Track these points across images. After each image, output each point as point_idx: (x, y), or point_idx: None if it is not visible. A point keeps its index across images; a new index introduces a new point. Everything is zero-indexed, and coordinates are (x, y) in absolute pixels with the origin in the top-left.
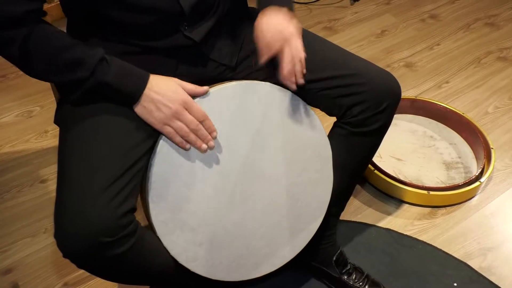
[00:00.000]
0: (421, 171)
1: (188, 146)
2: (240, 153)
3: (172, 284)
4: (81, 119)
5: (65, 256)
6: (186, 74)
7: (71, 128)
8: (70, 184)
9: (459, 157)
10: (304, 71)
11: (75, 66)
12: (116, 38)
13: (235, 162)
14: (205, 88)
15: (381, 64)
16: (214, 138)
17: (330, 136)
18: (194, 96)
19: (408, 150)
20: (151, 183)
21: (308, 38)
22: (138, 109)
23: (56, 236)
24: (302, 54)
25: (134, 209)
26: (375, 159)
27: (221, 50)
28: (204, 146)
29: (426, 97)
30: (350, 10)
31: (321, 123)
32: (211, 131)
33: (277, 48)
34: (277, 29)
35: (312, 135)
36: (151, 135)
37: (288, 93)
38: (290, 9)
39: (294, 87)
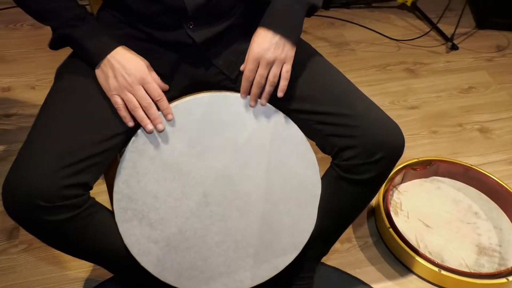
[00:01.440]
0: (447, 246)
1: (131, 123)
2: (217, 165)
3: (121, 272)
4: (69, 82)
5: (4, 207)
6: (186, 72)
7: (57, 87)
8: (30, 142)
9: (499, 245)
10: (280, 94)
11: (52, 14)
12: (127, 21)
13: (210, 172)
14: (166, 86)
15: (452, 122)
16: (169, 120)
17: (324, 174)
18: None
19: (442, 219)
20: (120, 168)
21: (318, 66)
22: (97, 72)
23: (2, 185)
24: (274, 78)
25: (85, 185)
26: (399, 217)
27: (225, 59)
28: (150, 126)
29: (489, 169)
30: (444, 58)
31: (315, 159)
32: (166, 113)
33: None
34: (262, 49)
35: (302, 168)
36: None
37: (286, 119)
38: (289, 35)
39: (252, 103)
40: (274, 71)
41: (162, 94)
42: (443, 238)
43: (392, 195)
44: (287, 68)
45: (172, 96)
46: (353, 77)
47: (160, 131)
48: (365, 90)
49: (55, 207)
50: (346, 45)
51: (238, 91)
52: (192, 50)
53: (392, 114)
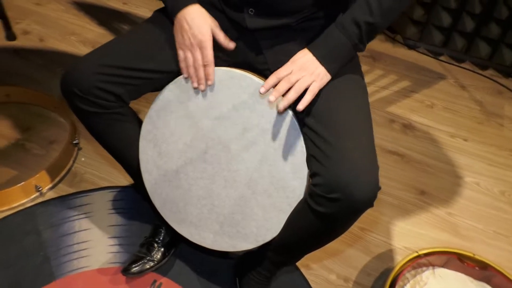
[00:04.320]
0: None
1: (186, 74)
2: (223, 134)
3: (132, 176)
4: (154, 20)
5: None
6: (241, 51)
7: (147, 20)
8: (100, 47)
9: None
10: (300, 107)
11: None
12: None
13: (215, 136)
14: (232, 45)
15: None
16: (209, 85)
17: None
18: (222, 51)
19: None
20: (157, 99)
21: (344, 90)
22: (175, 24)
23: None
24: (301, 85)
25: (118, 96)
26: None
27: (274, 53)
28: (195, 84)
29: None
30: None
31: (306, 175)
32: (208, 78)
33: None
34: (299, 63)
35: (291, 177)
36: (174, 64)
37: (298, 130)
38: (328, 65)
39: (271, 98)
40: (302, 81)
41: (212, 61)
42: None
43: (422, 271)
44: (315, 85)
45: (222, 64)
46: (479, 149)
47: (201, 90)
48: (482, 166)
49: (86, 99)
50: (498, 117)
51: None
52: (250, 34)
53: (493, 203)
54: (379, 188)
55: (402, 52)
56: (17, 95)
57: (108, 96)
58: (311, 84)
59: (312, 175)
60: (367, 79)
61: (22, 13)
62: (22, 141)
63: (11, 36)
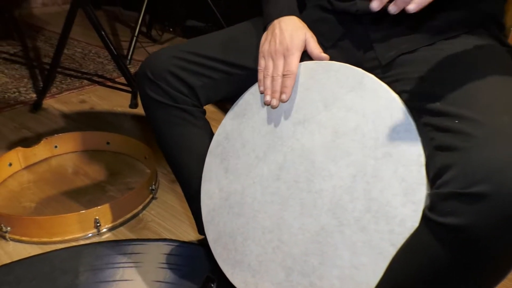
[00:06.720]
0: None
1: (261, 87)
2: (307, 142)
3: (185, 190)
4: (251, 20)
5: None
6: (344, 50)
7: (243, 23)
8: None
9: None
10: (412, 7)
11: None
12: None
13: (297, 146)
14: (325, 56)
15: None
16: (281, 100)
17: None
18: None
19: None
20: (236, 104)
21: (485, 72)
22: (266, 31)
23: None
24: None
25: (191, 88)
26: None
27: (388, 46)
28: (267, 97)
29: None
30: None
31: (423, 198)
32: (284, 90)
33: None
34: None
35: (399, 200)
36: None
37: (413, 130)
38: None
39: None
40: None
41: (294, 72)
42: None
43: None
44: None
45: None
46: None
47: (272, 106)
48: None
49: (157, 84)
50: None
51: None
52: (360, 27)
53: None
54: None
55: None
56: (115, 143)
57: (181, 87)
58: None
59: (436, 175)
60: None
61: None
62: (103, 183)
63: (133, 105)
